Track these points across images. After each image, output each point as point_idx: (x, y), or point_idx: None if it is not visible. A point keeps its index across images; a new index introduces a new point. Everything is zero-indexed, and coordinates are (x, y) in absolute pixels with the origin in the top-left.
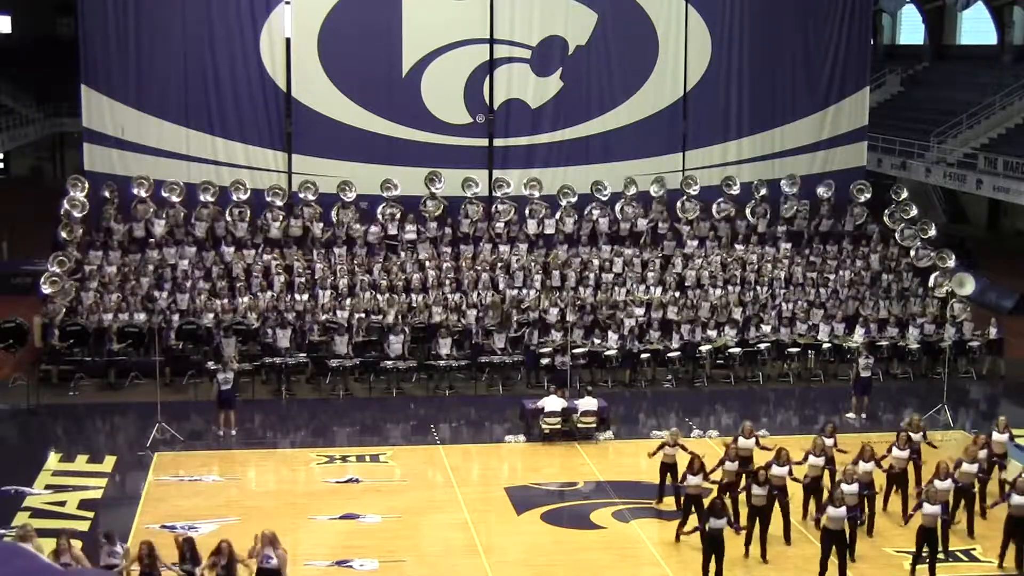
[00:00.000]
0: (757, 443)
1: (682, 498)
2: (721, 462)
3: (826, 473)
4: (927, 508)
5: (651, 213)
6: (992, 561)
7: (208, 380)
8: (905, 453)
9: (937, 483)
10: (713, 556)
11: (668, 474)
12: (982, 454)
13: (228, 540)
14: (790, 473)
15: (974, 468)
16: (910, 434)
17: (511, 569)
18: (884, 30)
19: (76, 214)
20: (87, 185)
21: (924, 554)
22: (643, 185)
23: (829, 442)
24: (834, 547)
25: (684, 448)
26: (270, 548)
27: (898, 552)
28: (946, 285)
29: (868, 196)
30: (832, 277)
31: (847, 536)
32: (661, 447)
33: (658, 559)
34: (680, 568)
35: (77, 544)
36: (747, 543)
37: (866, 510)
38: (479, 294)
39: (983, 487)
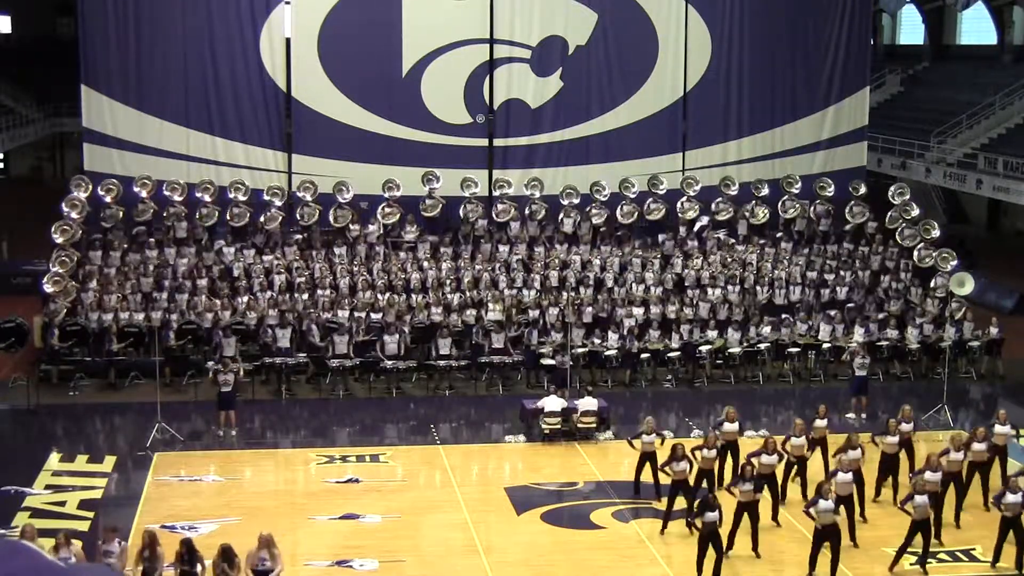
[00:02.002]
0: (741, 429)
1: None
2: (699, 448)
3: (817, 456)
4: (917, 499)
5: (651, 213)
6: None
7: (209, 378)
8: (895, 439)
9: (928, 475)
10: (711, 550)
11: (647, 463)
12: (978, 446)
13: (228, 544)
14: (780, 459)
15: (960, 456)
16: (901, 423)
17: (511, 569)
18: (884, 30)
19: (74, 215)
20: (91, 185)
21: (917, 551)
22: (641, 185)
23: (820, 423)
24: (828, 543)
25: (660, 434)
26: (266, 551)
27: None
28: (946, 285)
29: (863, 195)
30: (832, 277)
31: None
32: (638, 435)
33: (658, 559)
34: (680, 568)
35: (77, 544)
36: (731, 538)
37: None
38: (479, 294)
39: (985, 479)
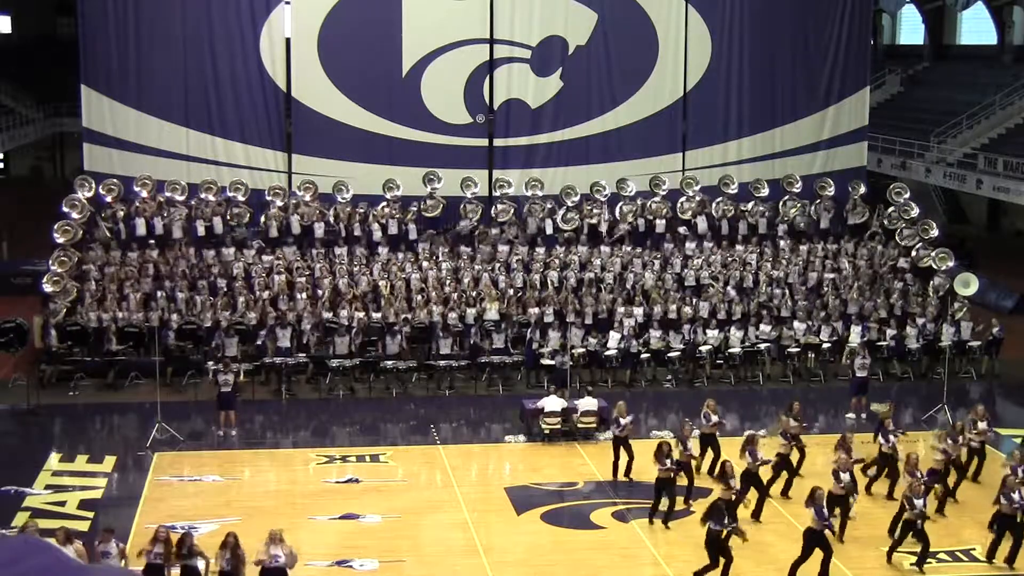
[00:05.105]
0: (718, 423)
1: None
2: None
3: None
4: (916, 502)
5: (650, 212)
6: (992, 561)
7: (210, 378)
8: (890, 439)
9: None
10: (720, 561)
11: (620, 447)
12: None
13: (234, 533)
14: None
15: (939, 456)
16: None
17: (511, 569)
18: (884, 30)
19: (74, 215)
20: (94, 185)
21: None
22: (638, 185)
23: (792, 423)
24: (816, 548)
25: (623, 416)
26: (278, 547)
27: (897, 552)
28: (948, 285)
29: (863, 194)
30: (832, 277)
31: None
32: (615, 420)
33: (658, 559)
34: (680, 568)
35: (78, 543)
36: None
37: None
38: (479, 293)
39: (961, 475)
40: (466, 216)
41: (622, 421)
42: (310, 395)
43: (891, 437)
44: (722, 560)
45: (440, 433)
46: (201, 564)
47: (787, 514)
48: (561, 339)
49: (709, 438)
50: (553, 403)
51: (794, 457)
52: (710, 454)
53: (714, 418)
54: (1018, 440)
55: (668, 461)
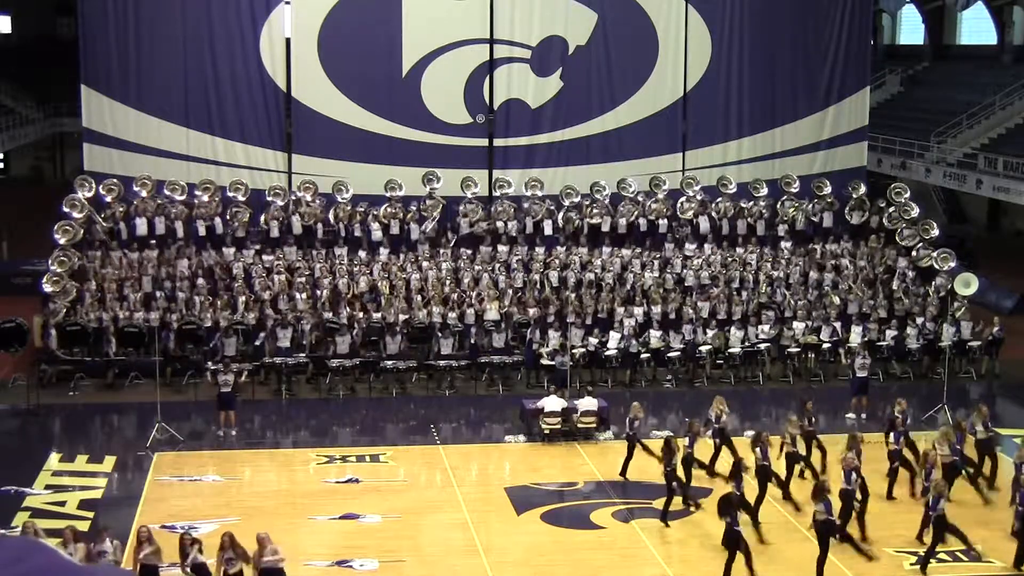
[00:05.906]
0: (724, 422)
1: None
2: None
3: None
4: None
5: (650, 212)
6: (993, 561)
7: (210, 378)
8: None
9: (934, 475)
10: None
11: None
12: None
13: (229, 533)
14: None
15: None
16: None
17: (511, 569)
18: (884, 30)
19: (75, 215)
20: (94, 185)
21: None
22: (639, 185)
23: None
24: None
25: (637, 417)
26: (271, 547)
27: (898, 552)
28: (949, 285)
29: (863, 195)
30: (832, 277)
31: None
32: (630, 422)
33: (658, 559)
34: (680, 568)
35: (80, 545)
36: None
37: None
38: (479, 293)
39: (975, 477)
40: (466, 215)
41: (635, 424)
42: (310, 395)
43: (901, 438)
44: (739, 554)
45: (440, 433)
46: (209, 560)
47: (787, 514)
48: (561, 339)
49: (721, 435)
50: (553, 403)
51: (815, 458)
52: (710, 452)
53: (723, 419)
54: (1018, 440)
55: (675, 459)
